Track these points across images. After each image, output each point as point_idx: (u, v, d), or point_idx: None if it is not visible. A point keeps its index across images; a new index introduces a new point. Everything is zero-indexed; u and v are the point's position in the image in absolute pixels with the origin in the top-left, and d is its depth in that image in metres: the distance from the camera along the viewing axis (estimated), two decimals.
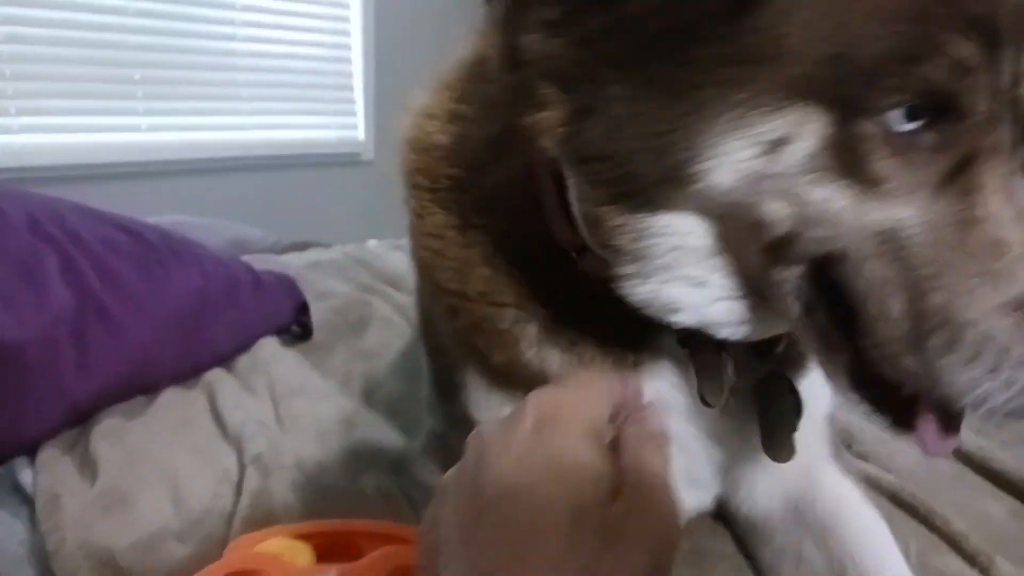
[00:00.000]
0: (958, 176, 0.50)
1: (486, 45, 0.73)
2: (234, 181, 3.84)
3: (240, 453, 1.08)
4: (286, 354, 1.43)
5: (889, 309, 0.51)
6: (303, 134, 4.07)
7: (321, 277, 1.84)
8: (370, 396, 1.30)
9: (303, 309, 1.55)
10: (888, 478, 1.06)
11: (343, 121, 4.21)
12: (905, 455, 1.12)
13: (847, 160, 0.50)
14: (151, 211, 2.03)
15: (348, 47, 4.16)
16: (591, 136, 0.57)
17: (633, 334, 0.73)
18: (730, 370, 0.70)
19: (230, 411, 1.20)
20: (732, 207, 0.55)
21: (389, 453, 1.12)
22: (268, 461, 1.04)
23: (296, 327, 1.54)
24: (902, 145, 0.50)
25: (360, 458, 1.09)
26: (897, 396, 0.54)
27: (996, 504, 1.05)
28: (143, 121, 3.54)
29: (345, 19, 4.13)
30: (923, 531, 0.94)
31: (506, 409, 0.60)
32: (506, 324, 0.76)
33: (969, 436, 1.18)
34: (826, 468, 0.85)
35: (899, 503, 1.00)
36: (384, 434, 1.16)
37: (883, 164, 0.50)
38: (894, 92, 0.48)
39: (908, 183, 0.50)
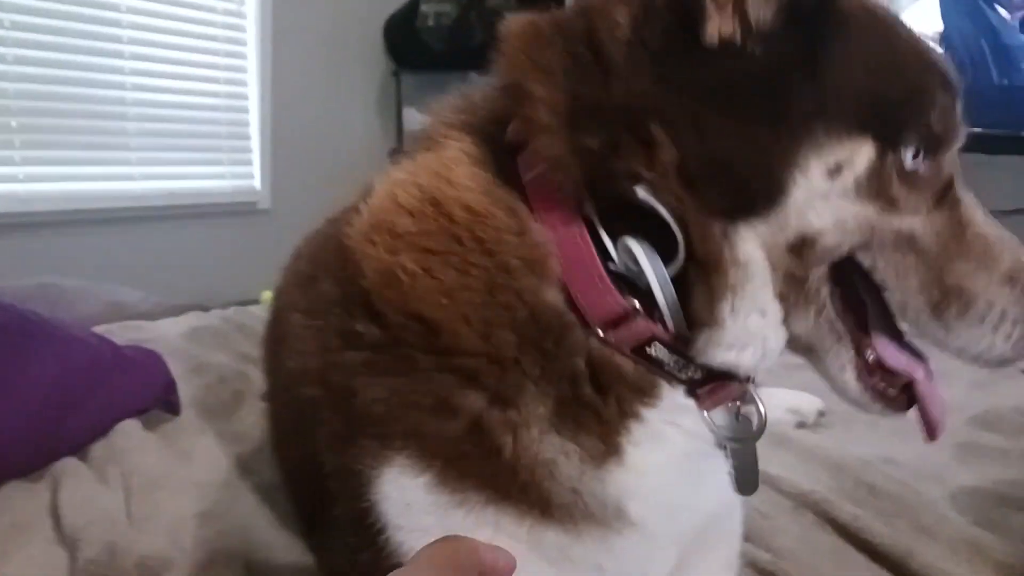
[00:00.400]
0: (943, 196, 0.69)
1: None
2: (122, 233, 3.67)
3: (73, 560, 0.97)
4: (147, 440, 1.33)
5: (910, 285, 0.68)
6: (196, 184, 3.93)
7: (197, 347, 1.74)
8: (238, 486, 1.21)
9: (171, 388, 1.45)
10: (766, 557, 1.06)
11: (238, 170, 4.09)
12: (785, 534, 1.12)
13: (877, 184, 0.66)
14: (29, 268, 1.89)
15: (244, 96, 4.07)
16: (695, 166, 0.65)
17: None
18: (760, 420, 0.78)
19: (74, 509, 1.10)
20: (799, 221, 0.66)
21: (254, 550, 1.04)
22: (104, 567, 0.95)
23: (162, 408, 1.44)
24: (909, 176, 0.67)
25: (215, 559, 1.01)
26: (894, 383, 0.72)
27: None
28: (20, 171, 3.35)
29: (242, 68, 4.04)
30: None
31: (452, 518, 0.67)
32: (528, 399, 0.69)
33: (846, 506, 1.19)
34: None
35: None
36: (248, 531, 1.08)
37: (898, 190, 0.67)
38: (913, 134, 0.66)
39: (914, 204, 0.67)
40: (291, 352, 0.83)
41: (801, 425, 1.57)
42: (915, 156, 0.67)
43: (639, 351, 0.70)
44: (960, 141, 0.71)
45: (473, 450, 0.69)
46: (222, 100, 3.99)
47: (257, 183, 4.15)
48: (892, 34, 0.70)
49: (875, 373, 0.73)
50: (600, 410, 0.70)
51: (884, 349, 0.73)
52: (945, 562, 1.06)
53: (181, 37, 3.79)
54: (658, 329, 0.69)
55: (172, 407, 1.43)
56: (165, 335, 1.76)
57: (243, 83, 4.05)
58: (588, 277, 0.68)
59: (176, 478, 1.21)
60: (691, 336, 0.69)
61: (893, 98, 0.67)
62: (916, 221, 0.68)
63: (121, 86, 3.62)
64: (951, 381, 2.01)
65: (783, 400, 1.58)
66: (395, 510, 0.72)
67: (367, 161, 4.17)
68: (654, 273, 0.67)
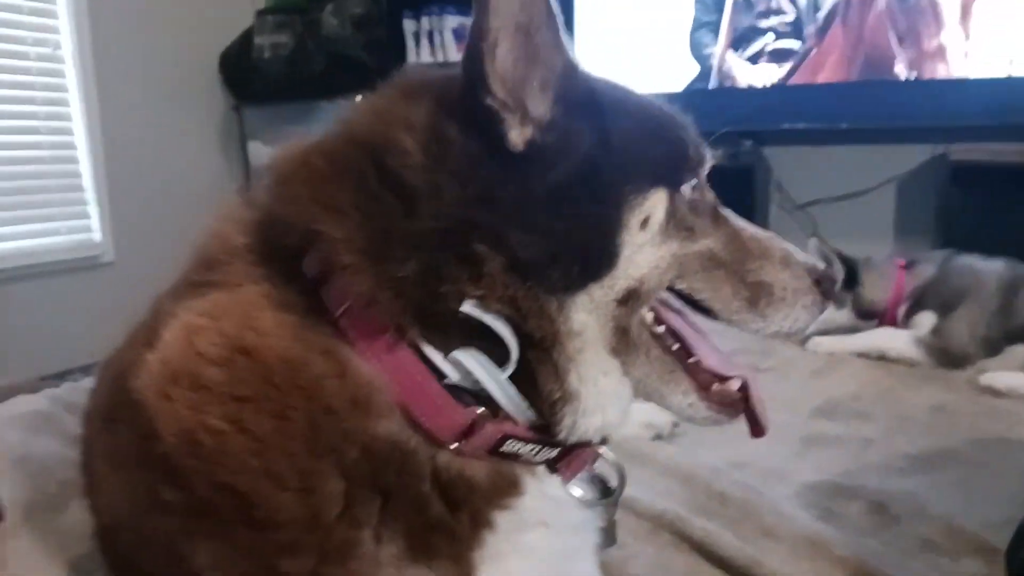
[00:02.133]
0: (716, 216, 0.83)
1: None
2: None
3: None
4: None
5: (725, 293, 0.80)
6: (27, 243, 3.64)
7: (19, 434, 1.59)
8: None
9: None
10: None
11: (74, 224, 3.82)
12: (638, 560, 1.14)
13: (675, 221, 0.77)
14: None
15: (72, 145, 3.80)
16: (529, 261, 0.69)
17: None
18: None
19: None
20: (627, 275, 0.73)
21: None
22: None
23: None
24: (693, 205, 0.79)
25: None
26: (731, 393, 0.81)
27: None
28: None
29: (65, 116, 3.77)
30: None
31: None
32: (366, 547, 0.68)
33: (699, 521, 1.22)
34: None
35: None
36: None
37: (692, 219, 0.78)
38: (686, 172, 0.79)
39: (703, 227, 0.79)
40: (102, 505, 0.77)
41: (657, 437, 1.61)
42: (691, 188, 0.79)
43: (494, 452, 0.72)
44: (709, 162, 0.84)
45: None
46: (46, 151, 3.72)
47: (97, 235, 3.89)
48: (644, 103, 0.82)
49: (711, 388, 0.81)
50: (452, 529, 0.71)
51: (713, 363, 0.81)
52: (788, 565, 1.11)
53: None
54: (508, 427, 0.72)
55: None
56: None
57: (68, 131, 3.79)
58: (426, 399, 0.69)
59: None
60: (552, 418, 0.73)
61: (667, 152, 0.79)
62: (709, 241, 0.80)
63: None
64: (787, 373, 2.14)
65: (638, 415, 1.61)
66: None
67: (216, 200, 3.99)
68: (490, 379, 0.70)
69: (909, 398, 1.93)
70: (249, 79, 4.30)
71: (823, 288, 0.84)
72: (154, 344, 0.71)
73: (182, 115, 4.34)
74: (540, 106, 0.71)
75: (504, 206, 0.69)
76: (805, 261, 0.85)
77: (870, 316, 2.47)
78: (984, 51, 3.25)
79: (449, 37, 4.03)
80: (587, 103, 0.75)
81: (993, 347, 2.19)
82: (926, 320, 2.32)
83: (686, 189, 0.79)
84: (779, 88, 3.64)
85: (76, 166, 3.82)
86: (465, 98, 0.70)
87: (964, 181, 3.16)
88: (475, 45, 0.68)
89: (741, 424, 0.85)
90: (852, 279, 2.47)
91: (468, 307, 0.68)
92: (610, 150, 0.73)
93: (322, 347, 0.69)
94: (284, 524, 0.65)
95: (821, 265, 0.86)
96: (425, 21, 4.08)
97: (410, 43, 4.13)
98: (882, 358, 2.26)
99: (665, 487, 1.37)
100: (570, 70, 0.74)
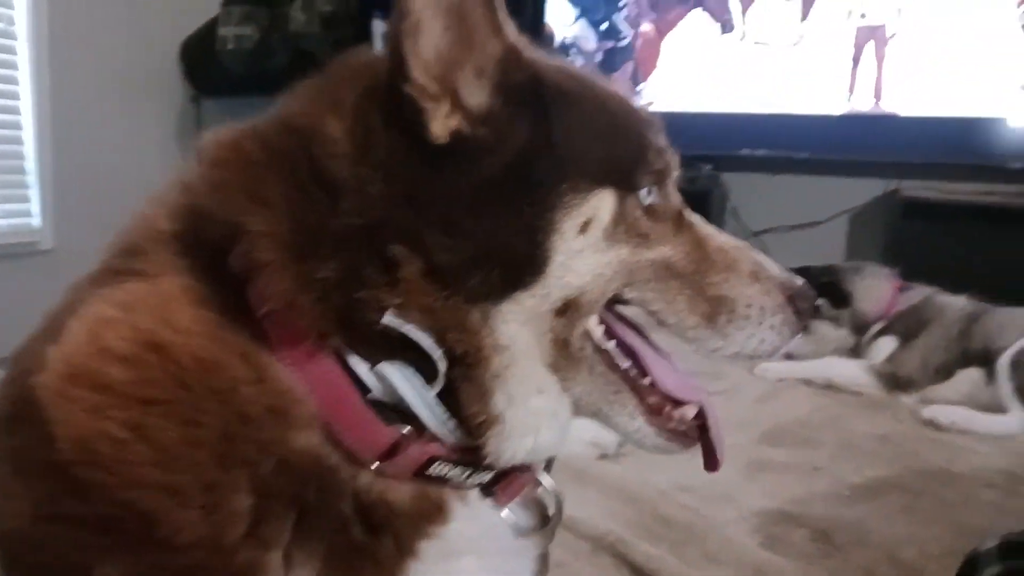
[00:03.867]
0: (680, 222, 0.76)
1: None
2: None
3: None
4: None
5: (679, 307, 0.73)
6: None
7: None
8: None
9: None
10: None
11: (12, 208, 3.66)
12: None
13: (625, 226, 0.70)
14: None
15: (18, 125, 3.66)
16: (449, 266, 0.63)
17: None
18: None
19: None
20: (563, 283, 0.67)
21: None
22: None
23: None
24: (650, 210, 0.72)
25: None
26: (677, 421, 0.74)
27: None
28: None
29: (13, 95, 3.63)
30: None
31: None
32: (273, 571, 0.61)
33: (642, 546, 1.19)
34: None
35: None
36: None
37: (646, 225, 0.72)
38: (643, 175, 0.72)
39: (660, 233, 0.73)
40: (4, 511, 0.71)
41: (603, 456, 1.58)
42: (649, 192, 0.73)
43: (420, 474, 0.65)
44: (676, 169, 0.77)
45: None
46: None
47: (36, 220, 3.74)
48: (601, 96, 0.75)
49: (662, 413, 0.73)
50: (375, 553, 0.65)
51: (667, 383, 0.74)
52: None
53: None
54: (434, 448, 0.65)
55: None
56: None
57: (15, 111, 3.64)
58: (348, 413, 0.63)
59: None
60: (478, 440, 0.65)
61: (621, 151, 0.72)
62: (666, 249, 0.73)
63: None
64: (735, 397, 2.14)
65: (584, 432, 1.58)
66: None
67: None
68: (415, 395, 0.63)
69: (855, 426, 1.95)
70: (210, 70, 4.20)
71: (799, 307, 0.75)
72: (60, 336, 0.64)
73: (138, 103, 4.22)
74: (474, 95, 0.65)
75: (426, 204, 0.63)
76: (779, 275, 0.76)
77: (863, 330, 2.49)
78: (943, 90, 3.34)
79: None
80: (531, 93, 0.68)
81: (946, 372, 2.23)
82: (887, 345, 2.36)
83: (642, 192, 0.72)
84: (741, 115, 3.69)
85: (20, 147, 3.66)
86: (389, 85, 0.64)
87: (914, 216, 3.23)
88: (395, 26, 0.62)
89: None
90: (844, 297, 2.50)
91: (389, 318, 0.62)
92: (551, 145, 0.67)
93: (241, 349, 0.63)
94: (185, 545, 0.59)
95: (798, 281, 0.77)
96: None
97: (379, 44, 4.07)
98: (829, 386, 2.28)
99: (608, 508, 1.34)
100: (511, 55, 0.68)
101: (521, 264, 0.65)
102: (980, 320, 2.29)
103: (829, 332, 2.52)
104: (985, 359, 2.16)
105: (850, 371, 2.29)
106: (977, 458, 1.76)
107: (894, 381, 2.23)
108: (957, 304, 2.39)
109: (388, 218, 0.62)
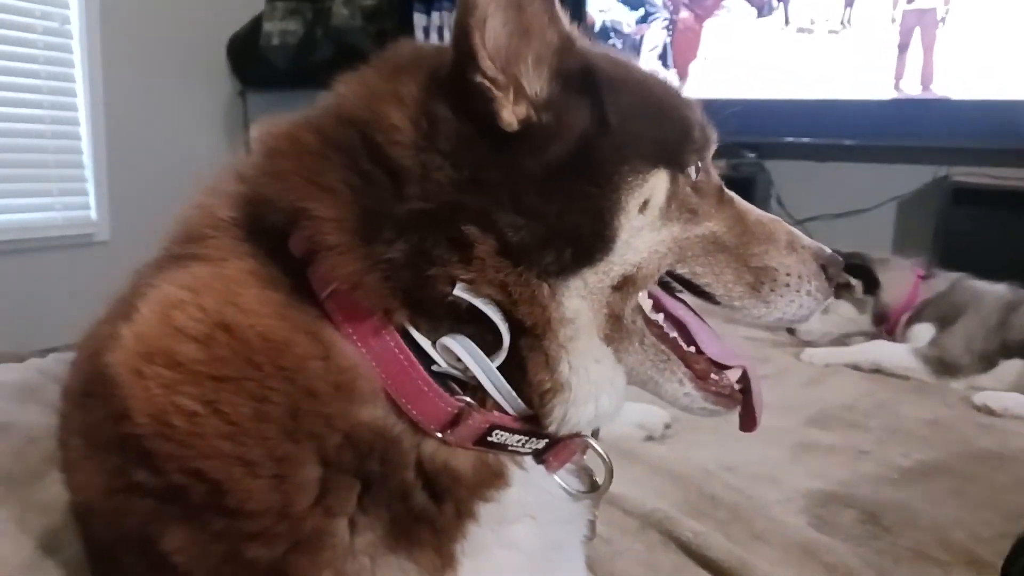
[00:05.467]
0: (721, 198, 0.80)
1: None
2: None
3: None
4: None
5: (727, 278, 0.77)
6: (21, 216, 3.61)
7: (2, 403, 1.57)
8: (41, 566, 1.09)
9: None
10: None
11: (71, 200, 3.79)
12: (625, 557, 1.12)
13: (676, 204, 0.75)
14: None
15: (75, 121, 3.78)
16: (521, 244, 0.67)
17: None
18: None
19: None
20: (624, 259, 0.71)
21: None
22: None
23: None
24: (697, 186, 0.77)
25: None
26: (727, 383, 0.79)
27: None
28: None
29: (70, 92, 3.75)
30: None
31: None
32: (339, 536, 0.65)
33: (688, 522, 1.20)
34: None
35: None
36: None
37: (695, 201, 0.76)
38: (690, 154, 0.77)
39: (707, 209, 0.77)
40: (77, 483, 0.75)
41: (649, 438, 1.59)
42: (696, 170, 0.77)
43: (480, 442, 0.70)
44: (715, 144, 0.81)
45: None
46: (47, 126, 3.69)
47: (93, 213, 3.87)
48: (645, 79, 0.79)
49: (708, 378, 0.79)
50: (435, 519, 0.69)
51: (712, 350, 0.79)
52: (778, 570, 1.09)
53: None
54: (495, 417, 0.70)
55: None
56: None
57: (71, 107, 3.76)
58: (413, 386, 0.67)
59: None
60: (542, 408, 0.70)
61: (669, 132, 0.76)
62: (712, 224, 0.78)
63: None
64: (781, 381, 2.13)
65: (630, 415, 1.59)
66: None
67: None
68: (479, 367, 0.68)
69: (903, 411, 1.92)
70: (256, 65, 4.29)
71: (829, 274, 0.81)
72: (131, 317, 0.68)
73: (187, 97, 4.33)
74: (535, 83, 0.69)
75: (496, 187, 0.67)
76: (811, 245, 0.83)
77: (883, 320, 2.49)
78: (994, 74, 3.26)
79: None
80: (585, 80, 0.72)
81: (989, 361, 2.19)
82: (924, 332, 2.33)
83: (690, 170, 0.76)
84: (785, 102, 3.64)
85: (77, 142, 3.80)
86: (455, 76, 0.67)
87: (965, 203, 3.16)
88: (463, 20, 0.65)
89: (734, 427, 0.82)
90: (873, 283, 2.48)
91: (459, 290, 0.66)
92: (608, 129, 0.71)
93: (307, 327, 0.67)
94: (254, 512, 0.63)
95: (827, 250, 0.83)
96: (436, 16, 4.09)
97: (420, 37, 4.12)
98: (877, 370, 2.25)
99: (655, 486, 1.35)
100: (567, 45, 0.72)
101: (591, 243, 0.70)
102: (1019, 310, 2.24)
103: (851, 313, 2.53)
104: None
105: (898, 355, 2.26)
106: None
107: (942, 365, 2.20)
108: (995, 292, 2.34)
109: (458, 201, 0.66)
